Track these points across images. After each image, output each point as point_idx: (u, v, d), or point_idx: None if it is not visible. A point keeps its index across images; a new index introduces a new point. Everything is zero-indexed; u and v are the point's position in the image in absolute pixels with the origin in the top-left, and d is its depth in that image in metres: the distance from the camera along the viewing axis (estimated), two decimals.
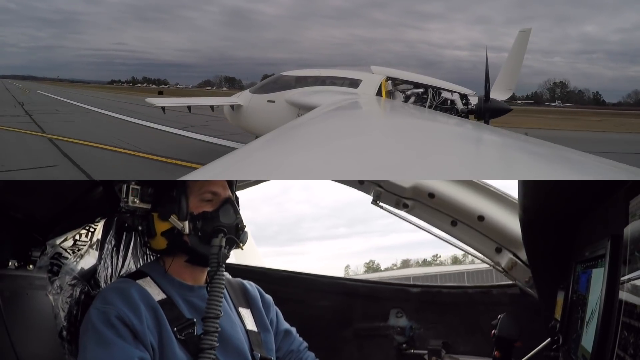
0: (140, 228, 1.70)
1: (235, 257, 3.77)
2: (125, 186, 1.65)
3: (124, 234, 1.99)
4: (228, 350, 1.65)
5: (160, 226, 1.66)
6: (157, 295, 1.61)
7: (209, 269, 1.60)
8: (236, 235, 1.67)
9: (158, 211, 1.67)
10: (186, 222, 1.64)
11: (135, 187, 1.65)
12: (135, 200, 1.65)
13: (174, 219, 1.64)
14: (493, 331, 2.52)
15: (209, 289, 1.57)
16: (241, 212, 1.75)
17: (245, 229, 1.73)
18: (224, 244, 1.60)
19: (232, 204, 1.71)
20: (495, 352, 2.51)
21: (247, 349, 1.72)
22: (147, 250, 1.79)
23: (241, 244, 1.69)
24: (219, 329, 1.54)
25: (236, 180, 1.85)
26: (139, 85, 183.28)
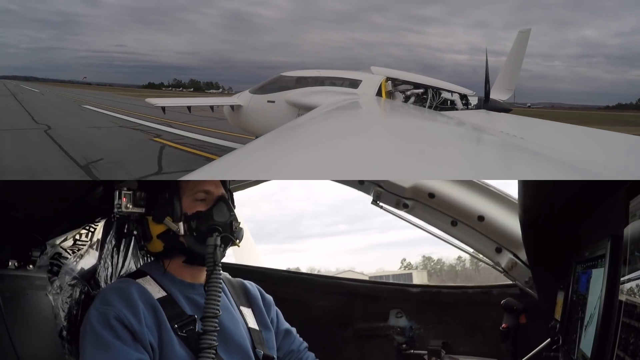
0: (135, 232, 1.70)
1: (235, 257, 3.77)
2: (117, 192, 1.65)
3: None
4: (230, 347, 1.65)
5: (156, 229, 1.66)
6: (157, 293, 1.61)
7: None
8: (231, 232, 1.67)
9: (152, 214, 1.67)
10: (181, 223, 1.64)
11: (128, 192, 1.66)
12: (129, 205, 1.65)
13: (168, 221, 1.64)
14: (502, 301, 2.81)
15: (206, 288, 1.58)
16: (240, 210, 1.75)
17: (241, 226, 1.73)
18: (219, 242, 1.60)
19: (226, 201, 1.71)
20: (503, 325, 2.77)
21: (250, 347, 1.72)
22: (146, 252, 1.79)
23: (237, 241, 1.69)
24: (218, 328, 1.54)
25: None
26: (213, 91, 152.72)
